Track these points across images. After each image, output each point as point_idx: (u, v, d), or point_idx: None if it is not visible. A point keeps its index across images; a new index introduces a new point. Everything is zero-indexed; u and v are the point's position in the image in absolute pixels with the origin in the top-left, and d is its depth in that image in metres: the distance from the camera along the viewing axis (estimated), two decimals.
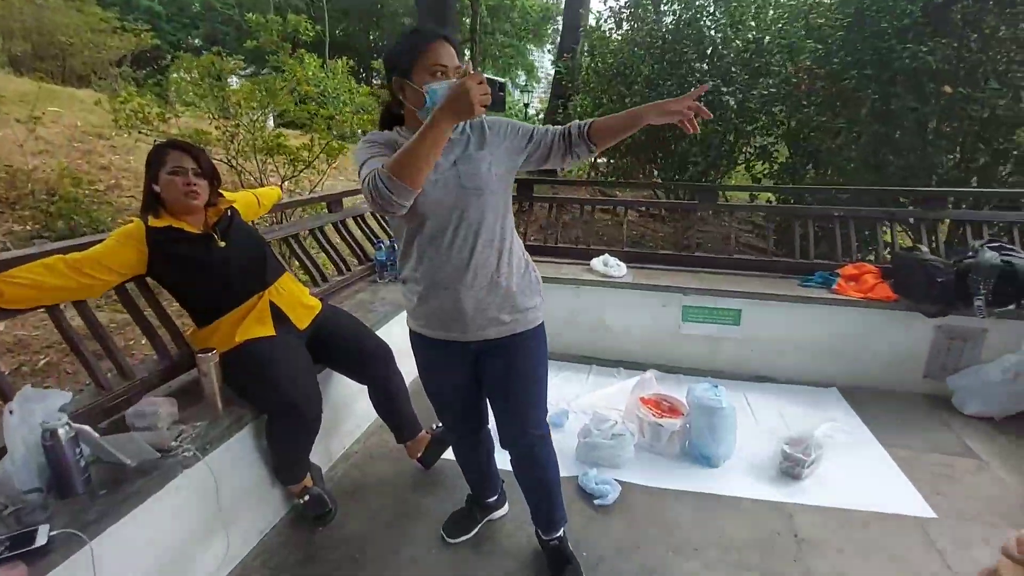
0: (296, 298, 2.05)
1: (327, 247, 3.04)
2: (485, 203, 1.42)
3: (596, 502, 2.12)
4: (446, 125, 1.18)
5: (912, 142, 3.92)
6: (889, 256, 3.34)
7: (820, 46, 4.19)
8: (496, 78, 1.27)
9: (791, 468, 2.29)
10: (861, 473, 2.33)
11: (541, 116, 20.93)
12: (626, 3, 5.34)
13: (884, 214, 3.49)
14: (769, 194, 5.36)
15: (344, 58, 7.16)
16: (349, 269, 3.16)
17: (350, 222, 3.36)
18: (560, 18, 17.65)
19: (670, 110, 1.33)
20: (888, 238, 3.57)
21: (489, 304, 1.49)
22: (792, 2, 4.31)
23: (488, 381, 1.63)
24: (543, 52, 23.11)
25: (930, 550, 1.95)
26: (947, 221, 3.82)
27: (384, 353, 2.16)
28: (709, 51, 4.76)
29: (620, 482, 2.21)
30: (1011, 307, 2.86)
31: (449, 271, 1.44)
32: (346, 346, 2.11)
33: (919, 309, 2.95)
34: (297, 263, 2.88)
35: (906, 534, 2.02)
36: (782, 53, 4.52)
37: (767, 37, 4.42)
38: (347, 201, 3.45)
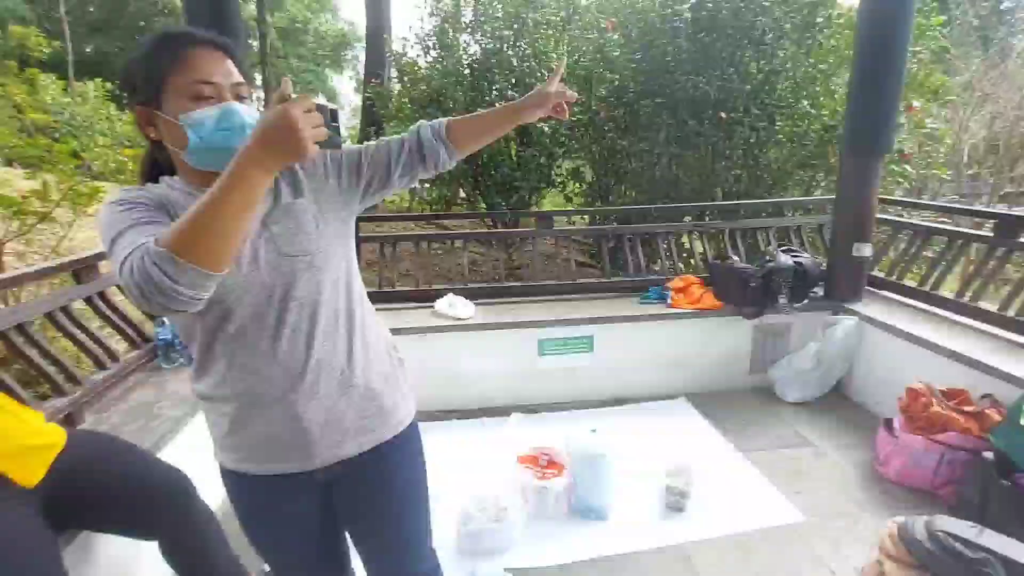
0: (14, 438, 1.29)
1: (77, 333, 2.11)
2: (319, 272, 0.98)
3: None
4: (261, 176, 0.73)
5: (703, 162, 4.29)
6: (705, 266, 3.54)
7: (616, 77, 4.40)
8: (327, 104, 0.82)
9: (676, 502, 2.16)
10: (734, 489, 2.31)
11: (348, 144, 19.97)
12: (431, 31, 5.13)
13: (696, 227, 3.70)
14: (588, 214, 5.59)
15: (98, 80, 5.73)
16: (116, 359, 2.20)
17: (113, 292, 2.44)
18: (360, 44, 17.02)
19: (549, 93, 1.07)
20: (701, 249, 3.81)
21: (343, 413, 1.03)
22: (589, 36, 4.48)
23: (348, 515, 1.15)
24: (343, 78, 22.15)
25: (813, 560, 1.94)
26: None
27: (177, 487, 1.48)
28: (515, 80, 4.76)
29: (512, 570, 1.84)
30: (805, 301, 3.19)
31: (276, 378, 0.96)
32: (114, 494, 1.40)
33: (740, 312, 3.13)
34: (26, 365, 1.93)
35: (790, 546, 2.01)
36: (580, 84, 4.67)
37: (567, 70, 4.54)
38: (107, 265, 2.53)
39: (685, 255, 4.11)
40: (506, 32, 4.75)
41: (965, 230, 3.21)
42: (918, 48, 4.22)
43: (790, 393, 3.08)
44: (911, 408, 2.40)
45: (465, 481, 2.19)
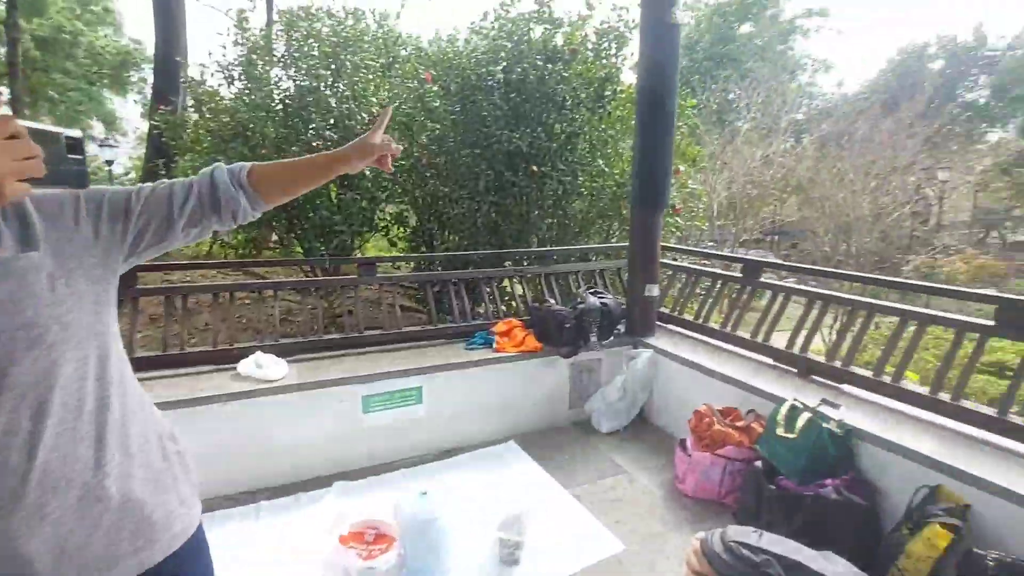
0: None
1: None
2: (52, 351, 0.74)
3: None
4: None
5: (520, 210, 4.55)
6: (526, 308, 3.69)
7: (437, 126, 4.48)
8: (57, 129, 0.61)
9: (510, 555, 2.11)
10: (563, 530, 2.34)
11: (132, 176, 17.08)
12: (236, 61, 4.66)
13: (516, 272, 3.86)
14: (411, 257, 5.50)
15: None
16: None
17: None
18: (148, 66, 14.90)
19: (373, 144, 0.98)
20: (521, 292, 3.97)
21: (89, 538, 0.78)
22: (409, 85, 4.50)
23: None
24: (127, 100, 19.06)
25: None
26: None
27: None
28: (333, 121, 4.56)
29: None
30: (611, 338, 3.51)
31: None
32: None
33: (558, 352, 3.30)
34: None
35: None
36: (402, 130, 4.66)
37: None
38: None
39: (507, 299, 4.26)
40: (323, 71, 4.54)
41: (722, 271, 3.87)
42: (680, 124, 5.09)
43: (604, 424, 3.31)
44: (698, 428, 2.74)
45: (281, 572, 1.85)
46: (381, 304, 3.98)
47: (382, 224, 5.22)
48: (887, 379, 2.61)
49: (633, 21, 4.50)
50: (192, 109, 5.35)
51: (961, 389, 2.41)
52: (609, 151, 4.77)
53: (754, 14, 20.21)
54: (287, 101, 4.60)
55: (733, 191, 10.67)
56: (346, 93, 4.48)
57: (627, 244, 3.84)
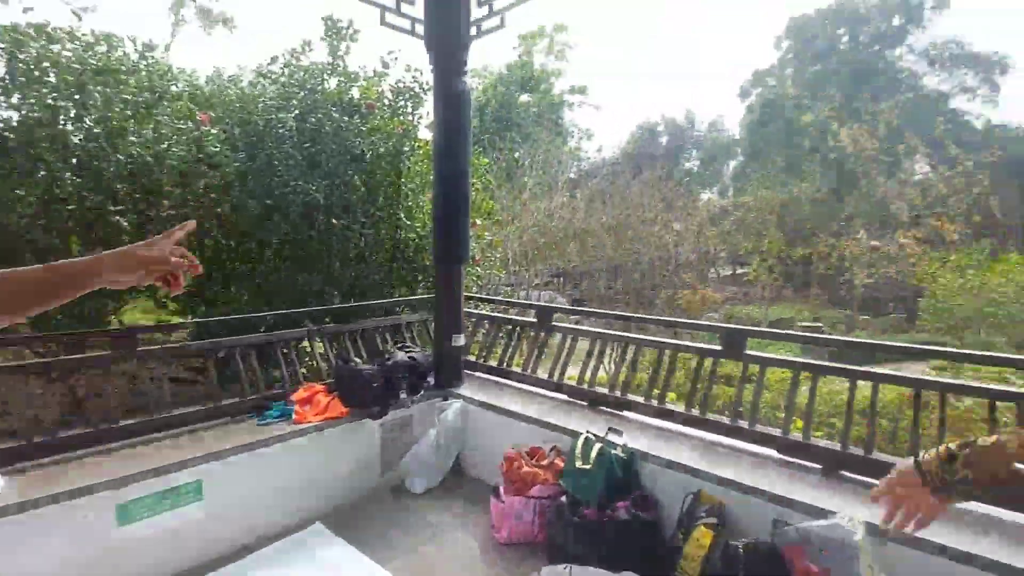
0: None
1: None
2: None
3: None
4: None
5: (320, 265, 4.26)
6: (330, 371, 3.42)
7: (218, 174, 3.99)
8: None
9: None
10: None
11: None
12: None
13: (316, 332, 3.56)
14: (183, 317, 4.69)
15: None
16: None
17: None
18: None
19: (148, 256, 0.78)
20: (323, 351, 3.67)
21: None
22: (181, 126, 3.92)
23: None
24: None
25: None
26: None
27: None
28: (76, 161, 3.72)
29: None
30: (422, 392, 3.45)
31: None
32: None
33: (366, 415, 3.11)
34: None
35: None
36: (173, 176, 4.04)
37: (150, 157, 3.83)
38: None
39: (308, 360, 3.90)
40: (63, 103, 3.70)
41: (520, 318, 4.14)
42: (475, 181, 5.42)
43: (418, 484, 3.19)
44: (509, 472, 2.82)
45: None
46: (141, 382, 3.26)
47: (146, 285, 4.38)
48: (654, 403, 3.06)
49: (427, 83, 4.71)
50: None
51: (706, 404, 2.94)
52: (410, 204, 4.82)
53: (531, 87, 23.04)
54: (6, 135, 3.62)
55: (524, 240, 11.74)
56: (95, 130, 3.72)
57: (432, 296, 3.87)
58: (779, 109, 21.28)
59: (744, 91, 26.93)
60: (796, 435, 2.64)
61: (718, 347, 2.97)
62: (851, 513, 1.97)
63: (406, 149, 4.68)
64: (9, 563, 1.94)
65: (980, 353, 3.66)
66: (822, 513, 2.05)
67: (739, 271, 22.43)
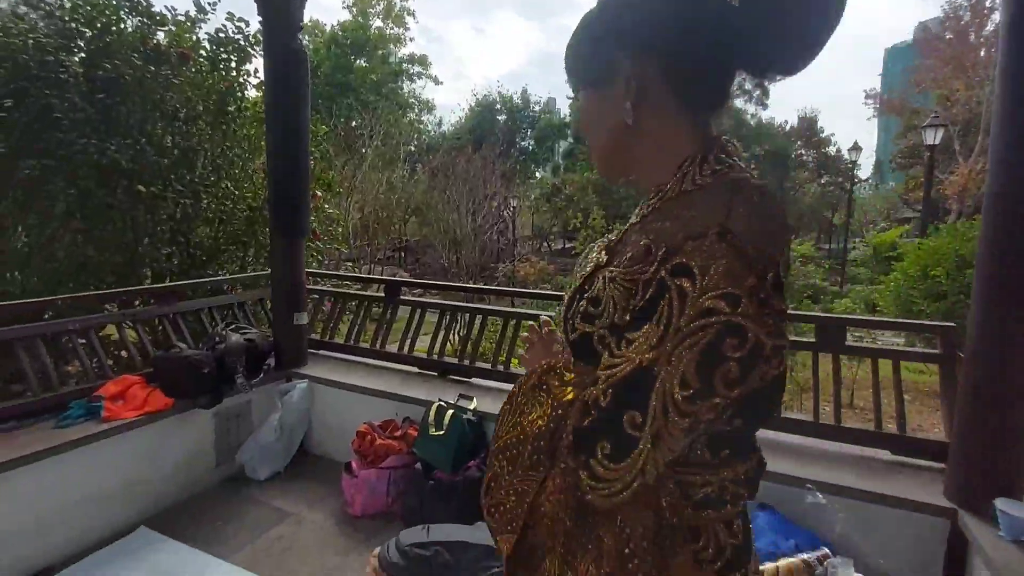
0: None
1: None
2: None
3: None
4: None
5: (122, 239, 3.62)
6: (146, 360, 2.99)
7: None
8: None
9: None
10: None
11: None
12: None
13: (125, 316, 3.07)
14: None
15: None
16: None
17: None
18: None
19: None
20: (136, 339, 3.17)
21: None
22: None
23: None
24: None
25: None
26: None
27: None
28: None
29: None
30: (261, 375, 3.21)
31: None
32: None
33: (196, 405, 2.82)
34: None
35: None
36: None
37: None
38: None
39: (115, 351, 3.33)
40: None
41: (367, 293, 4.05)
42: (313, 150, 5.05)
43: (261, 471, 3.00)
44: (362, 447, 2.81)
45: None
46: None
47: None
48: (501, 368, 3.29)
49: (255, 37, 4.22)
50: None
51: None
52: (237, 172, 4.33)
53: (367, 51, 21.74)
54: None
55: (366, 213, 11.28)
56: None
57: (268, 272, 3.57)
58: None
59: None
60: None
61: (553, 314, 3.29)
62: None
63: (231, 109, 4.17)
64: None
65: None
66: None
67: (568, 244, 24.43)
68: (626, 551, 0.67)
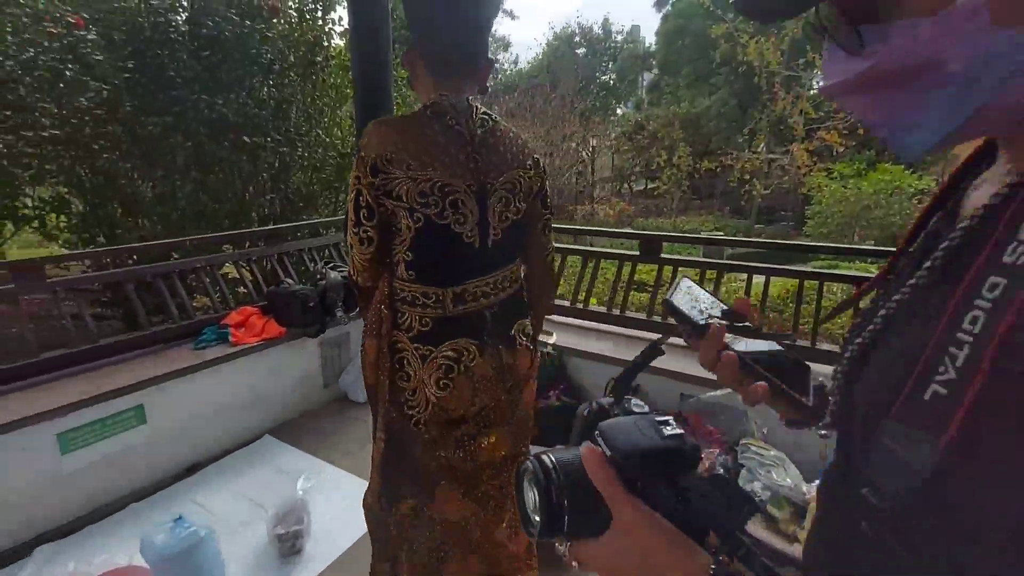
0: None
1: None
2: None
3: None
4: None
5: (232, 187, 3.98)
6: (260, 294, 3.35)
7: (105, 87, 3.49)
8: None
9: (292, 546, 2.01)
10: (339, 504, 2.32)
11: None
12: None
13: (240, 256, 3.43)
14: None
15: None
16: None
17: None
18: None
19: None
20: (251, 277, 3.55)
21: None
22: (51, 30, 3.31)
23: None
24: None
25: None
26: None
27: None
28: None
29: None
30: (357, 310, 3.49)
31: None
32: None
33: (304, 333, 3.13)
34: None
35: None
36: (46, 89, 3.50)
37: (18, 68, 3.26)
38: None
39: (234, 286, 3.76)
40: None
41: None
42: (396, 96, 5.15)
43: (359, 394, 3.33)
44: None
45: None
46: (55, 321, 3.01)
47: (32, 213, 3.90)
48: (579, 305, 3.32)
49: None
50: None
51: (625, 303, 3.24)
52: (326, 120, 4.54)
53: None
54: None
55: None
56: None
57: None
58: (692, 20, 21.27)
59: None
60: None
61: (636, 252, 3.23)
62: None
63: (319, 59, 4.33)
64: None
65: (849, 247, 4.24)
66: (719, 386, 2.42)
67: (650, 185, 23.32)
68: None
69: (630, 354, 2.77)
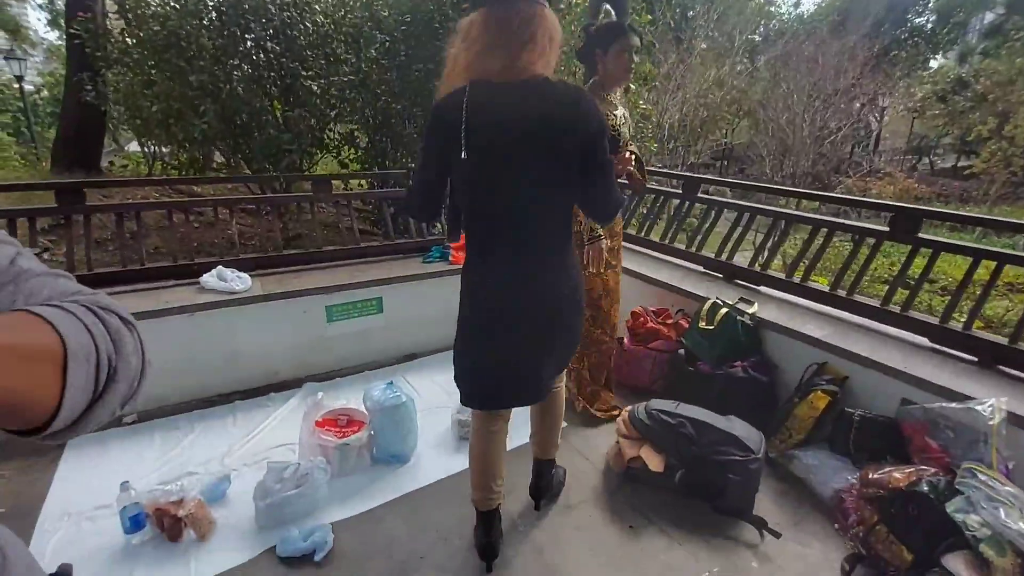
0: None
1: None
2: None
3: (316, 558, 1.74)
4: None
5: None
6: None
7: (388, 39, 4.34)
8: None
9: (467, 433, 2.40)
10: None
11: (45, 94, 15.45)
12: None
13: None
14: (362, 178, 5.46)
15: None
16: None
17: None
18: None
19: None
20: None
21: None
22: None
23: None
24: (29, 7, 16.90)
25: (571, 451, 2.39)
26: None
27: None
28: (273, 31, 4.33)
29: (326, 525, 1.87)
30: None
31: None
32: None
33: None
34: None
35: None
36: (349, 42, 4.49)
37: (332, 25, 4.29)
38: None
39: None
40: None
41: (664, 189, 4.09)
42: None
43: None
44: (634, 326, 3.06)
45: (261, 456, 2.10)
46: (338, 227, 4.00)
47: (332, 145, 5.12)
48: (796, 280, 2.98)
49: None
50: (116, 15, 4.92)
51: (856, 286, 2.79)
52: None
53: None
54: (222, 8, 4.32)
55: (685, 112, 10.77)
56: (287, 0, 4.25)
57: None
58: None
59: None
60: (955, 326, 2.43)
61: (884, 228, 2.72)
62: (992, 400, 1.88)
63: (562, 6, 4.54)
64: (258, 335, 2.78)
65: None
66: (957, 397, 1.97)
67: (962, 163, 18.29)
68: None
69: (850, 343, 2.41)
